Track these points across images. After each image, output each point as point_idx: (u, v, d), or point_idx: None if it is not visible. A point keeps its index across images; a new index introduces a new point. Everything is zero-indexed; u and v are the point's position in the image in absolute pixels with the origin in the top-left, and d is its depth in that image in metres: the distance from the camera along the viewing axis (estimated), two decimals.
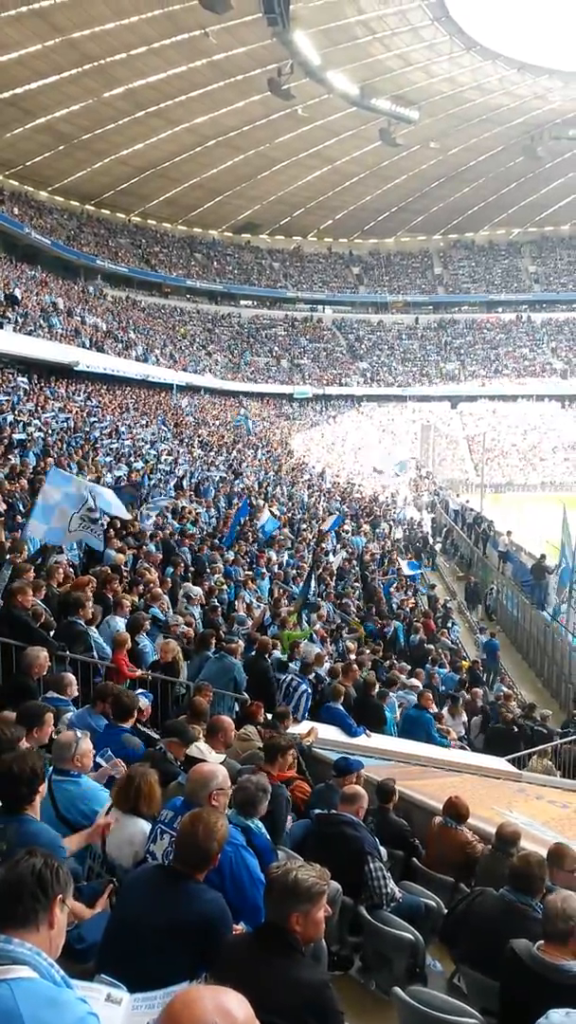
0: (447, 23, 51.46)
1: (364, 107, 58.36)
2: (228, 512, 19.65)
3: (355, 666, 10.52)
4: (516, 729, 11.33)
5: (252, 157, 62.57)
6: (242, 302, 73.33)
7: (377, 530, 28.07)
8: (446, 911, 4.60)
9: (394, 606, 17.49)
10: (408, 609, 17.69)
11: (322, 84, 54.43)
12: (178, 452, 26.75)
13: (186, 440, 30.88)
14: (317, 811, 5.02)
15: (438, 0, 49.14)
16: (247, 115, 56.43)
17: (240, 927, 3.16)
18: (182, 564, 12.37)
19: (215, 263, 73.77)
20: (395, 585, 19.29)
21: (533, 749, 10.43)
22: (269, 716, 7.02)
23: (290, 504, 26.92)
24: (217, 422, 42.71)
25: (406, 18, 50.63)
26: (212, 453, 30.34)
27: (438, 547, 32.89)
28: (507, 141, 67.37)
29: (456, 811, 5.39)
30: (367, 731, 8.42)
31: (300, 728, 7.45)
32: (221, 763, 4.25)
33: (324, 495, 32.99)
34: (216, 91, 52.76)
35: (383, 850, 5.02)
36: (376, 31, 51.20)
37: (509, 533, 28.24)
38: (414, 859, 5.46)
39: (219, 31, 45.21)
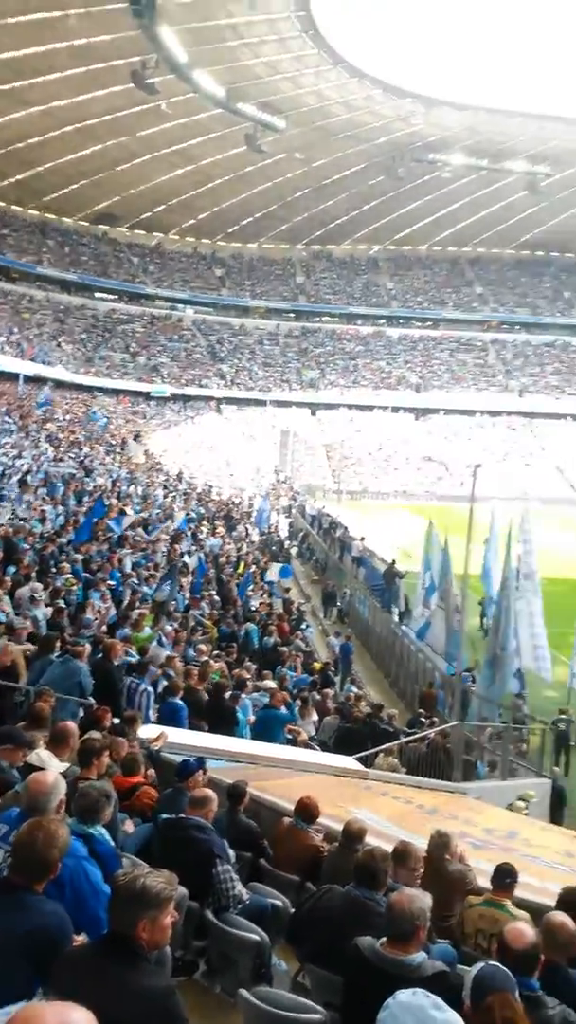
0: (315, 37, 52.55)
1: (230, 110, 58.54)
2: (77, 510, 19.06)
3: (208, 668, 10.46)
4: (364, 729, 11.64)
5: (113, 148, 60.95)
6: (97, 294, 71.24)
7: (234, 532, 28.13)
8: (293, 910, 4.62)
9: (250, 608, 17.55)
10: (263, 612, 17.81)
11: (188, 83, 54.05)
12: (23, 446, 25.66)
13: (32, 434, 29.67)
14: (165, 816, 4.91)
15: (307, 14, 49.97)
16: (109, 104, 54.86)
17: (81, 938, 3.03)
18: (24, 563, 11.82)
19: (69, 251, 71.31)
20: (251, 588, 19.37)
21: (379, 748, 10.74)
22: (117, 721, 6.82)
23: (145, 504, 26.46)
24: (68, 416, 41.30)
25: (275, 27, 51.23)
26: (61, 449, 29.37)
27: (294, 551, 33.39)
28: (370, 159, 69.69)
29: (306, 812, 5.43)
30: (205, 728, 8.40)
31: (148, 732, 7.28)
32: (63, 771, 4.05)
33: (181, 496, 32.67)
34: (76, 77, 50.99)
35: (231, 852, 4.97)
36: (245, 36, 51.47)
37: (363, 539, 29.13)
38: (262, 860, 5.46)
39: (82, 15, 43.87)
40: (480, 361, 78.86)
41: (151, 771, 6.29)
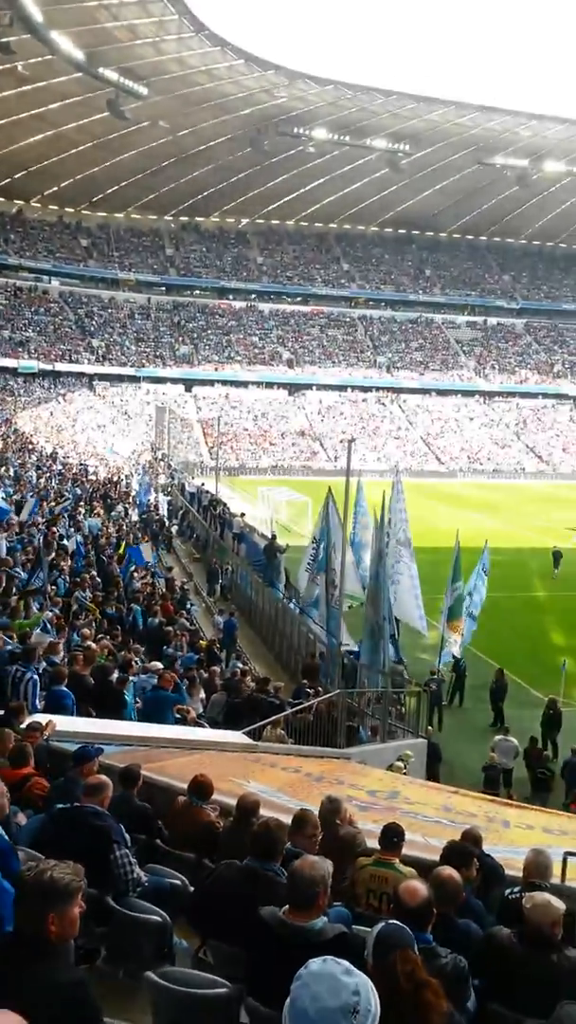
0: (176, 2, 51.31)
1: (91, 74, 56.33)
2: None
3: (92, 652, 10.29)
4: (251, 703, 11.82)
5: None
6: None
7: (113, 513, 27.57)
8: (192, 888, 4.69)
9: (134, 589, 17.32)
10: (146, 592, 17.62)
11: (45, 44, 51.58)
12: None
13: None
14: (59, 806, 4.84)
15: None
16: None
17: None
18: None
19: None
20: (133, 568, 19.10)
21: (267, 720, 10.95)
22: (1, 712, 6.63)
23: (18, 486, 25.49)
24: None
25: None
26: None
27: (175, 529, 33.12)
28: (235, 130, 69.02)
29: (200, 789, 5.50)
30: (94, 714, 8.32)
31: (35, 721, 7.11)
32: None
33: (55, 477, 31.65)
34: None
35: (127, 836, 4.98)
36: None
37: (242, 515, 29.29)
38: (158, 841, 5.49)
39: None
40: (350, 337, 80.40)
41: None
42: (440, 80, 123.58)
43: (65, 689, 8.40)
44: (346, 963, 2.09)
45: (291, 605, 18.97)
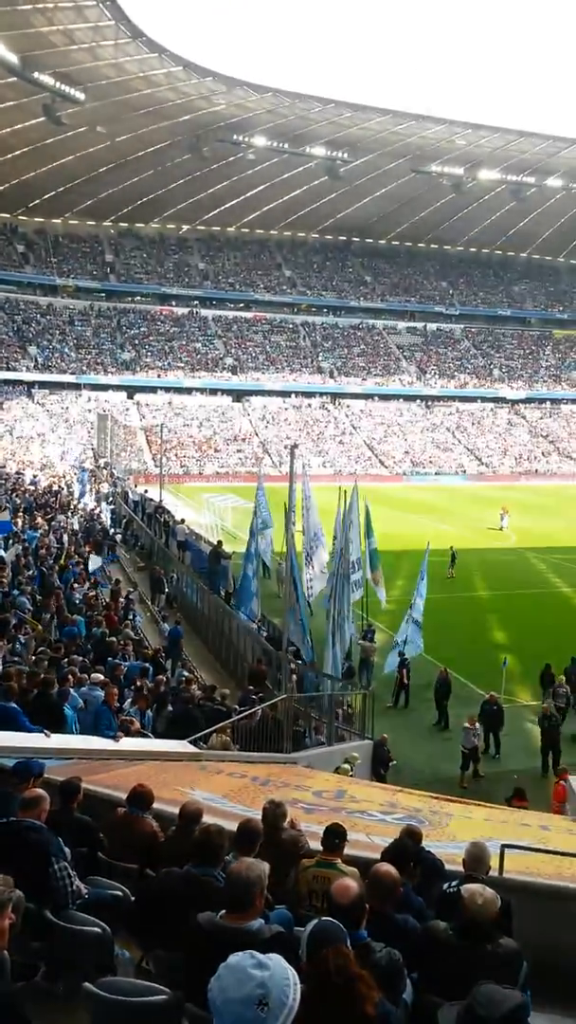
0: (112, 8, 51.03)
1: (25, 79, 55.57)
2: None
3: (32, 666, 10.12)
4: (197, 711, 11.77)
5: None
6: None
7: (54, 523, 27.12)
8: (134, 899, 4.66)
9: (75, 600, 17.07)
10: (89, 603, 17.39)
11: None
12: None
13: None
14: None
15: None
16: None
17: None
18: None
19: None
20: (75, 579, 18.83)
21: (212, 728, 10.92)
22: None
23: None
24: None
25: None
26: None
27: (118, 538, 32.73)
28: (173, 137, 68.84)
29: (139, 798, 5.47)
30: (46, 731, 8.16)
31: None
32: None
33: None
34: None
35: (67, 850, 4.92)
36: (37, 1, 48.88)
37: (183, 521, 29.15)
38: (99, 853, 5.44)
39: None
40: (292, 343, 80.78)
41: None
42: (377, 89, 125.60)
43: (14, 706, 8.22)
44: (263, 957, 2.13)
45: (239, 612, 18.92)
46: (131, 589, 24.52)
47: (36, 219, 78.28)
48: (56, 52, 54.69)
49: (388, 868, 3.96)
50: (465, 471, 68.99)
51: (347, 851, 4.96)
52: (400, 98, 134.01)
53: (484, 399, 79.98)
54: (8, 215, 76.16)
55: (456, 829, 7.21)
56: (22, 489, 33.12)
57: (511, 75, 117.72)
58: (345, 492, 18.54)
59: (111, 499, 38.48)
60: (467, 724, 14.79)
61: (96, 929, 4.26)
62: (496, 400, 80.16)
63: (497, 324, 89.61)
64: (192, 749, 9.63)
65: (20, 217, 77.19)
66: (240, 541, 30.50)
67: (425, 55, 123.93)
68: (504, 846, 5.25)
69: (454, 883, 4.41)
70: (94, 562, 22.01)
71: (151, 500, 36.13)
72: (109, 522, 33.94)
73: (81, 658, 12.07)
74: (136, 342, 74.36)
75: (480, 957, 3.53)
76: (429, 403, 78.31)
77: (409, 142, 73.55)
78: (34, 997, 4.02)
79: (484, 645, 22.47)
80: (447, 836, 6.83)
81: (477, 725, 14.79)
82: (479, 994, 2.93)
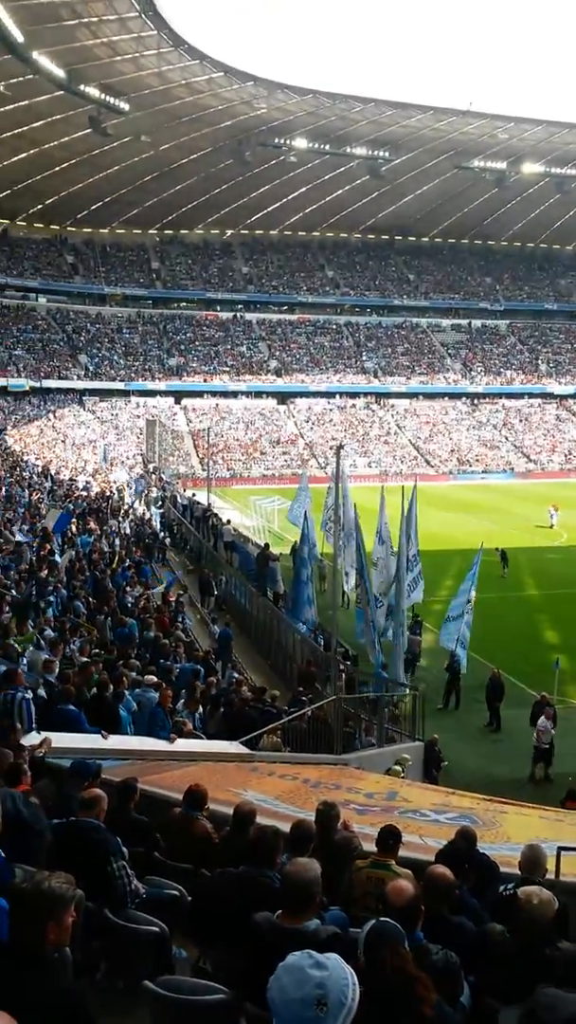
0: (155, 18, 51.60)
1: (72, 92, 56.62)
2: None
3: (89, 668, 10.31)
4: (248, 713, 11.84)
5: None
6: None
7: (105, 527, 27.57)
8: (190, 898, 4.73)
9: (128, 604, 17.33)
10: (141, 606, 17.64)
11: (26, 64, 51.79)
12: None
13: None
14: (56, 821, 4.89)
15: None
16: None
17: None
18: None
19: None
20: (127, 582, 19.12)
21: (263, 729, 10.98)
22: None
23: (9, 504, 25.50)
24: None
25: (113, 7, 49.92)
26: None
27: (168, 541, 33.08)
28: (215, 143, 69.32)
29: (194, 799, 5.54)
30: (103, 732, 8.31)
31: (32, 739, 7.16)
32: None
33: (47, 494, 31.65)
34: None
35: (125, 849, 5.02)
36: (83, 16, 49.84)
37: (229, 522, 29.32)
38: (156, 853, 5.53)
39: None
40: (336, 344, 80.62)
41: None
42: (418, 86, 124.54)
43: (73, 708, 8.40)
44: (321, 957, 2.15)
45: (296, 621, 18.92)
46: (180, 592, 24.79)
47: (84, 230, 79.69)
48: (101, 64, 55.61)
49: (443, 870, 3.95)
50: (513, 469, 67.93)
51: (400, 853, 4.96)
52: (441, 94, 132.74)
53: (531, 395, 78.67)
54: (58, 227, 77.69)
55: (510, 831, 7.13)
56: (75, 495, 33.72)
57: (553, 67, 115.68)
58: (405, 491, 18.88)
59: (160, 503, 38.94)
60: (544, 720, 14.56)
61: (154, 928, 4.34)
62: (543, 396, 78.76)
63: (543, 318, 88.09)
64: (244, 750, 9.70)
65: (69, 228, 78.67)
66: (286, 543, 30.62)
67: (465, 50, 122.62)
68: (561, 848, 5.17)
69: (510, 886, 4.38)
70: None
71: (199, 504, 36.44)
72: (159, 526, 34.35)
73: (136, 661, 12.26)
74: (182, 348, 75.12)
75: (539, 960, 3.49)
76: (475, 401, 77.34)
77: (451, 138, 72.83)
78: (95, 995, 4.12)
79: (536, 645, 22.14)
80: (501, 838, 6.76)
81: (550, 723, 14.52)
82: (542, 997, 2.90)
